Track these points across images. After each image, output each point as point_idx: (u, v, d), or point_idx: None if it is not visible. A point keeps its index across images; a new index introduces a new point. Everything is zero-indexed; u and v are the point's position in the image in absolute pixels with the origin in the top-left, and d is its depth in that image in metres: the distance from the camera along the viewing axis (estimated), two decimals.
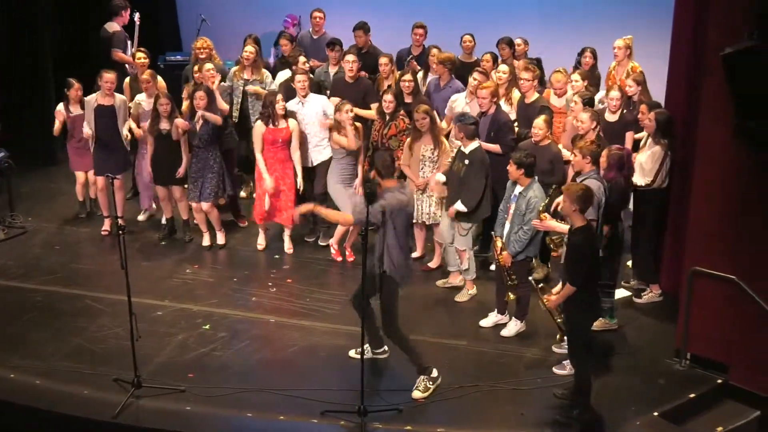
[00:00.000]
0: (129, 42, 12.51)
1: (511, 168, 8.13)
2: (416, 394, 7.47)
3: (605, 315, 8.41)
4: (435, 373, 7.59)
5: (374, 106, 10.34)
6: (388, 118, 9.84)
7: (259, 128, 9.90)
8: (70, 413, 7.32)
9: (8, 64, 12.76)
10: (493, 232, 8.52)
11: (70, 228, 11.05)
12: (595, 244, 7.12)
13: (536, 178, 8.23)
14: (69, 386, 7.64)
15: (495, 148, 9.29)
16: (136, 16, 12.65)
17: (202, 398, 7.45)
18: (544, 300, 7.49)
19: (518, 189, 8.19)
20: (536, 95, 9.89)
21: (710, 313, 7.73)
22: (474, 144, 8.83)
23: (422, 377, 7.53)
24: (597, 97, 10.18)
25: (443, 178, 9.10)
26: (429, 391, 7.51)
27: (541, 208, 7.94)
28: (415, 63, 11.33)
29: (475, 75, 10.02)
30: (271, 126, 9.83)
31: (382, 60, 10.88)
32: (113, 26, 12.45)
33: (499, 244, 8.28)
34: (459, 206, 8.80)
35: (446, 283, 9.45)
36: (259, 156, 9.94)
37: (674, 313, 8.25)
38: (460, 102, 10.11)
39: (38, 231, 10.93)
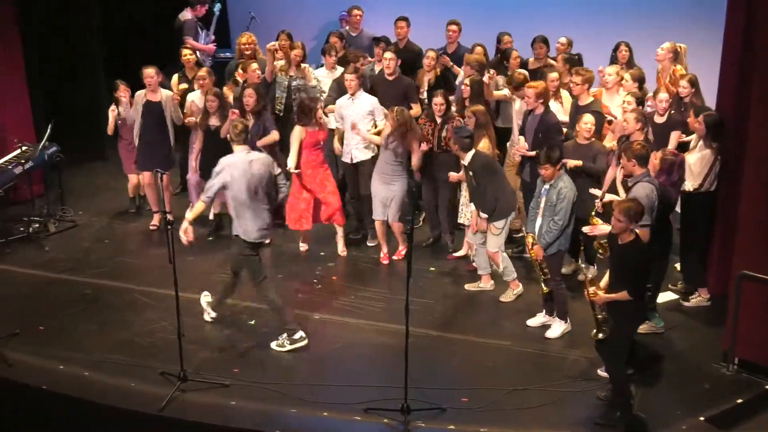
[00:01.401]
0: (204, 31, 12.90)
1: (547, 171, 8.09)
2: (273, 344, 8.21)
3: (651, 318, 8.35)
4: (299, 335, 8.18)
5: (416, 106, 10.34)
6: (440, 120, 9.77)
7: (299, 132, 9.86)
8: (117, 405, 7.41)
9: (59, 62, 12.93)
10: (524, 228, 8.50)
11: (119, 222, 11.19)
12: (647, 255, 7.10)
13: (564, 169, 8.25)
14: (116, 378, 7.75)
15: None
16: (217, 7, 13.22)
17: (246, 393, 7.51)
18: (591, 292, 7.38)
19: (546, 183, 8.20)
20: (590, 98, 9.74)
21: (759, 317, 7.63)
22: (470, 153, 8.83)
23: (285, 335, 8.19)
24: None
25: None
26: (283, 348, 8.17)
27: (593, 213, 7.88)
28: (446, 58, 11.28)
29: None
30: (310, 129, 9.84)
31: (430, 54, 10.84)
32: (185, 15, 12.75)
33: (530, 240, 8.27)
34: (482, 215, 8.87)
35: (477, 286, 9.42)
36: (294, 154, 9.84)
37: (722, 317, 8.16)
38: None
39: (88, 225, 11.09)
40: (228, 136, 8.45)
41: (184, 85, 10.89)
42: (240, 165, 8.13)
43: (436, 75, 10.82)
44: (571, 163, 8.70)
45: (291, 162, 9.82)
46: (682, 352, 8.23)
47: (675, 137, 9.21)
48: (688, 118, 8.96)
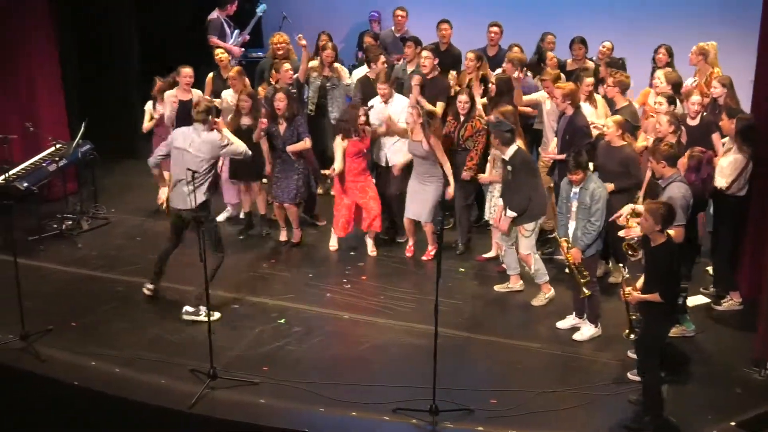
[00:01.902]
0: (233, 30, 12.94)
1: (577, 176, 8.03)
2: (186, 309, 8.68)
3: (682, 321, 8.29)
4: (202, 311, 8.52)
5: (440, 104, 10.33)
6: (463, 118, 9.77)
7: (339, 143, 9.91)
8: (147, 402, 7.47)
9: (94, 60, 13.02)
10: (556, 234, 8.44)
11: (151, 220, 11.26)
12: (678, 257, 7.07)
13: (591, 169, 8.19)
14: (146, 375, 7.81)
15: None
16: (260, 8, 13.28)
17: (275, 392, 7.54)
18: (626, 292, 7.32)
19: (575, 186, 8.13)
20: (625, 102, 9.66)
21: None
22: (512, 148, 8.78)
23: (202, 307, 8.50)
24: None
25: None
26: (191, 317, 8.62)
27: (628, 216, 7.81)
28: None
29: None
30: (351, 139, 9.85)
31: (469, 55, 10.78)
32: (212, 14, 12.81)
33: (564, 244, 8.22)
34: (509, 213, 8.81)
35: (506, 287, 9.38)
36: (338, 161, 9.93)
37: (754, 321, 8.09)
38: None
39: (120, 222, 11.17)
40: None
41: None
42: (182, 138, 8.62)
43: (478, 78, 10.73)
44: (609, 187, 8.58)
45: (336, 167, 9.91)
46: (713, 355, 8.17)
47: (716, 139, 9.08)
48: (720, 120, 8.88)
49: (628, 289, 7.25)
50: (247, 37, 13.18)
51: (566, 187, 8.27)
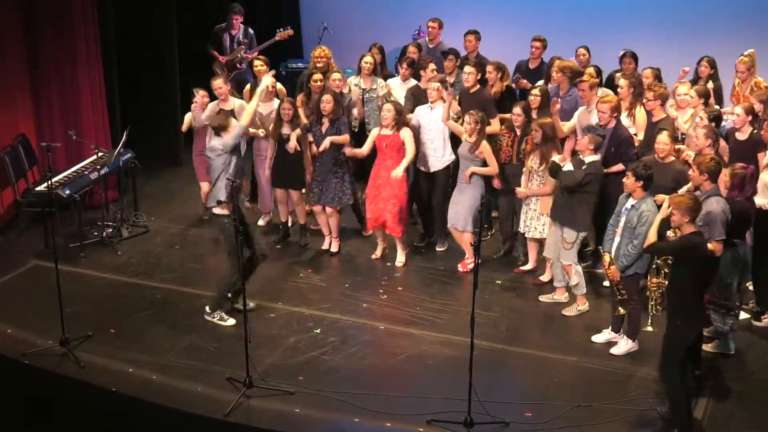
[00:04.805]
0: (235, 45, 12.94)
1: (629, 180, 7.96)
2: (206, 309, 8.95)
3: (723, 340, 8.20)
4: (230, 320, 8.81)
5: (495, 121, 10.26)
6: (519, 132, 9.70)
7: (374, 131, 10.09)
8: (183, 409, 7.53)
9: (135, 68, 13.16)
10: (600, 247, 8.38)
11: (191, 229, 11.35)
12: (705, 250, 7.00)
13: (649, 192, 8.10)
14: (183, 382, 7.88)
15: (618, 168, 9.11)
16: (281, 31, 12.96)
17: (310, 401, 7.56)
18: (652, 282, 7.33)
19: (631, 202, 8.04)
20: (663, 115, 9.62)
21: None
22: (595, 157, 8.71)
23: (221, 312, 8.86)
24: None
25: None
26: (213, 318, 8.86)
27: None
28: (524, 81, 11.23)
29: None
30: (382, 132, 9.93)
31: (489, 68, 10.81)
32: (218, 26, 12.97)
33: (607, 258, 8.15)
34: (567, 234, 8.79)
35: (551, 298, 9.34)
36: (364, 150, 10.17)
37: None
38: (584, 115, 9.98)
39: (160, 230, 11.26)
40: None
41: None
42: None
43: (501, 89, 10.75)
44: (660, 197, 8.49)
45: (360, 150, 10.20)
46: (752, 372, 8.08)
47: (761, 158, 8.95)
48: (763, 131, 8.79)
49: (653, 279, 7.21)
50: (249, 56, 12.87)
51: (623, 201, 8.18)
